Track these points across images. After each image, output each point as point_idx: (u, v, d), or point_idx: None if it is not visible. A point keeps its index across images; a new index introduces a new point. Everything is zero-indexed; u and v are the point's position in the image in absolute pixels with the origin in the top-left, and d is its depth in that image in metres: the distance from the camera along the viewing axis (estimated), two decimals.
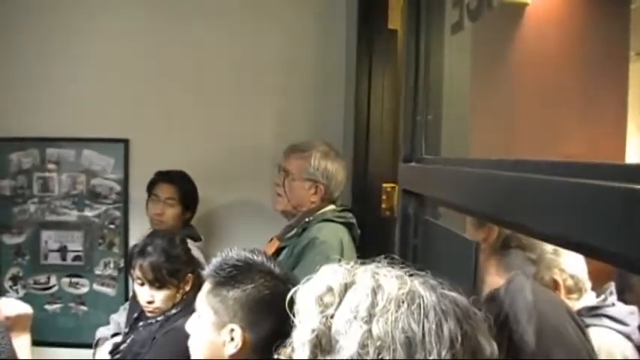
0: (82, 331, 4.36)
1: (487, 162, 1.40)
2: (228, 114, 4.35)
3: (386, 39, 3.74)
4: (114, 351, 3.03)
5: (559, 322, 2.21)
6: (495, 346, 1.09)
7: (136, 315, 3.09)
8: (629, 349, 2.60)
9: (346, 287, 1.12)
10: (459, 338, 1.04)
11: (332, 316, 1.10)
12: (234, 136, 4.33)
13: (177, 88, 4.33)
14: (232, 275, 2.01)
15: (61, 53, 4.33)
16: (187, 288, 2.90)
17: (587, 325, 2.58)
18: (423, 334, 1.03)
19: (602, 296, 2.66)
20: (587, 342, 2.24)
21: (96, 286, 4.44)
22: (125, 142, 4.36)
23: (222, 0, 4.34)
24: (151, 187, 3.89)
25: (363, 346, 1.04)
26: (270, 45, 4.34)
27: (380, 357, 1.02)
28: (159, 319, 2.88)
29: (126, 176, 4.38)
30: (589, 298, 2.66)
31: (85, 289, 4.45)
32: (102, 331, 3.65)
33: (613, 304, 2.68)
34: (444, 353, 1.02)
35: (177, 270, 2.88)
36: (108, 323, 3.75)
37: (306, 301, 1.14)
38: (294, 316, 1.17)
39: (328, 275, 1.15)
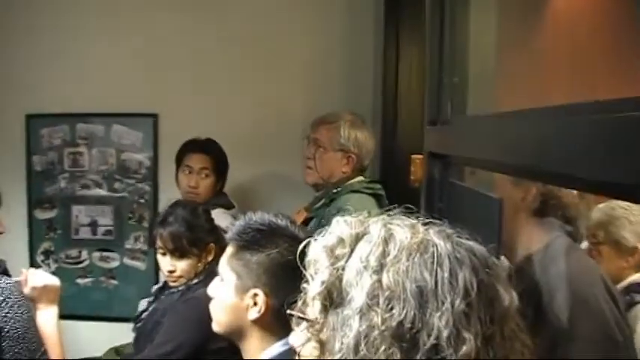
0: (113, 305, 4.42)
1: (514, 113, 1.37)
2: (256, 88, 4.33)
3: (413, 8, 3.68)
4: (136, 319, 3.04)
5: (590, 293, 2.16)
6: (515, 295, 1.06)
7: (160, 285, 3.09)
8: None
9: (357, 238, 1.09)
10: (475, 287, 1.01)
11: (343, 268, 1.07)
12: (263, 110, 4.32)
13: (205, 62, 4.33)
14: (256, 239, 1.99)
15: (89, 29, 4.36)
16: (210, 258, 2.87)
17: (637, 302, 2.53)
18: (436, 283, 1.00)
19: None
20: (619, 314, 2.18)
21: (126, 260, 4.47)
22: (154, 116, 4.37)
23: None
24: (181, 157, 3.82)
25: (372, 296, 1.01)
26: (298, 17, 4.32)
27: (390, 307, 0.99)
28: (180, 288, 2.87)
29: (155, 151, 4.40)
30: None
31: (115, 263, 4.49)
32: (143, 304, 3.66)
33: None
34: (457, 302, 0.99)
35: (198, 239, 2.86)
36: (139, 297, 3.74)
37: (317, 253, 1.11)
38: (305, 269, 1.14)
39: (340, 227, 1.12)
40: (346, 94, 4.23)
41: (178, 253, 2.85)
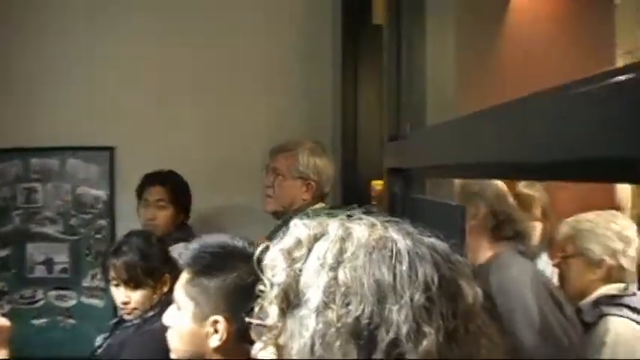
0: (71, 345, 4.27)
1: (471, 115, 1.34)
2: (215, 118, 4.30)
3: (371, 35, 3.70)
4: (92, 355, 2.94)
5: (536, 302, 2.20)
6: (480, 292, 1.02)
7: (115, 320, 3.00)
8: None
9: (315, 238, 1.05)
10: (436, 281, 0.97)
11: (300, 270, 1.03)
12: (223, 140, 4.28)
13: (162, 93, 4.28)
14: (212, 264, 1.92)
15: (41, 59, 4.27)
16: (165, 289, 2.79)
17: (606, 314, 2.56)
18: (394, 278, 0.96)
19: (623, 285, 2.62)
20: (564, 320, 2.23)
21: (84, 299, 4.35)
22: (110, 149, 4.29)
23: (205, 2, 4.29)
24: (141, 191, 3.79)
25: (328, 293, 0.97)
26: (256, 46, 4.30)
27: (346, 303, 0.95)
28: (135, 321, 2.78)
29: (112, 185, 4.31)
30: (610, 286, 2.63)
31: (72, 302, 4.36)
32: (99, 340, 3.56)
33: (634, 294, 2.63)
34: (417, 296, 0.95)
35: (153, 269, 2.79)
36: (97, 336, 3.64)
37: (274, 256, 1.07)
38: (262, 274, 1.08)
39: (298, 229, 1.08)
40: (306, 124, 4.21)
41: (133, 283, 2.77)
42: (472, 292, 1.00)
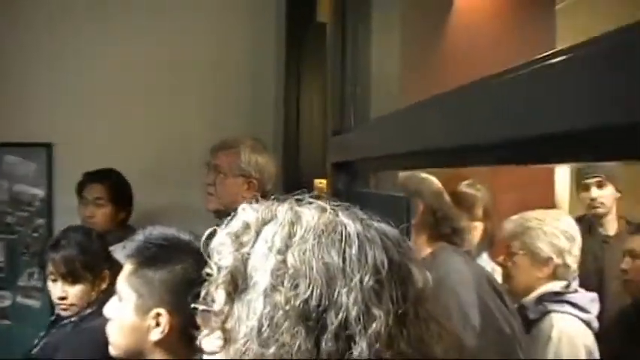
0: (6, 347, 4.16)
1: (418, 104, 1.35)
2: (156, 114, 4.24)
3: (315, 33, 3.69)
4: (27, 355, 2.87)
5: (477, 294, 2.23)
6: (429, 277, 1.03)
7: (52, 318, 2.94)
8: (589, 339, 2.61)
9: (264, 222, 1.04)
10: (386, 265, 0.97)
11: (248, 253, 1.01)
12: (164, 137, 4.23)
13: (103, 89, 4.20)
14: (157, 255, 1.89)
15: None
16: (104, 285, 2.76)
17: (550, 311, 2.60)
18: (344, 261, 0.96)
19: (566, 282, 2.67)
20: (506, 309, 2.27)
21: (19, 299, 4.24)
22: (48, 146, 4.20)
23: (147, 0, 4.25)
24: (80, 189, 3.74)
25: (276, 276, 0.96)
26: (198, 42, 4.27)
27: (295, 285, 0.94)
28: (73, 319, 2.74)
29: (49, 182, 4.22)
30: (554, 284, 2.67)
31: (7, 302, 4.26)
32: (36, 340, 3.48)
33: (576, 291, 2.68)
34: (366, 279, 0.94)
35: (92, 263, 2.75)
36: (34, 338, 3.56)
37: (222, 239, 1.05)
38: (210, 259, 1.07)
39: (246, 212, 1.06)
40: (248, 121, 4.18)
41: (71, 278, 2.72)
42: (422, 277, 1.00)
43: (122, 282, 1.91)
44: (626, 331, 3.10)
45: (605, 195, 3.72)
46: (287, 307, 0.93)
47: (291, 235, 0.99)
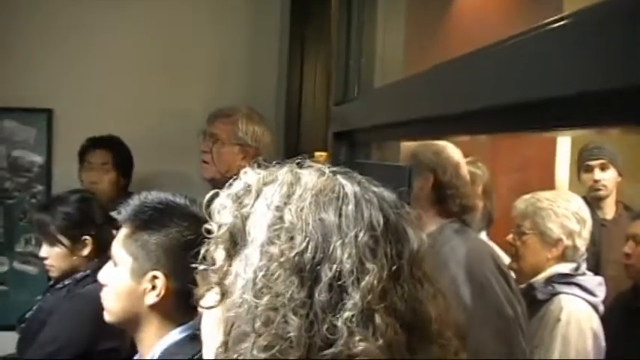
0: (3, 312, 4.14)
1: (418, 74, 1.34)
2: (156, 83, 4.21)
3: (320, 3, 3.67)
4: (20, 319, 2.88)
5: (481, 273, 2.21)
6: (424, 238, 1.03)
7: (51, 282, 2.94)
8: (596, 323, 2.61)
9: (265, 184, 1.05)
10: (381, 223, 0.98)
11: (248, 213, 1.02)
12: (164, 107, 4.19)
13: (103, 56, 4.17)
14: (154, 218, 1.88)
15: None
16: (85, 252, 2.78)
17: (558, 293, 2.60)
18: (339, 217, 0.97)
19: (575, 264, 2.66)
20: (510, 291, 2.25)
21: (16, 265, 4.23)
22: (49, 112, 4.17)
23: None
24: (83, 154, 3.74)
25: (273, 231, 0.97)
26: (200, 11, 4.24)
27: (290, 238, 0.95)
28: (67, 282, 2.75)
29: (49, 148, 4.19)
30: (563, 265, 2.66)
31: (4, 268, 4.24)
32: None
33: (584, 273, 2.68)
34: (361, 235, 0.95)
35: (66, 228, 2.77)
36: (31, 304, 3.55)
37: (222, 200, 1.06)
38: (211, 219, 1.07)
39: (248, 175, 1.07)
40: (249, 92, 4.17)
41: (47, 240, 2.77)
42: (417, 239, 1.01)
43: (117, 246, 1.90)
44: (625, 315, 3.10)
45: (608, 178, 3.71)
46: (282, 259, 0.94)
47: (289, 194, 1.00)
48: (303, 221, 0.96)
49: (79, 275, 2.72)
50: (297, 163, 1.08)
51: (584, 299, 2.64)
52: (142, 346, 1.90)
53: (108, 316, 1.93)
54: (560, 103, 0.85)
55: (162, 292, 1.83)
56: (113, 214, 2.83)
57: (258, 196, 1.03)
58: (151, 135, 4.11)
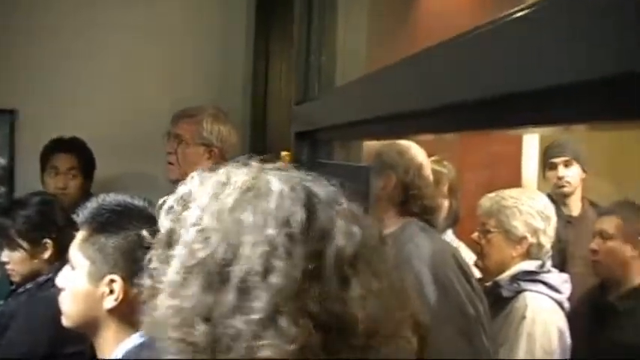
0: None
1: (380, 70, 1.32)
2: (120, 83, 4.17)
3: (284, 4, 3.65)
4: None
5: (442, 272, 2.21)
6: (358, 236, 0.97)
7: (13, 287, 2.90)
8: (562, 320, 2.61)
9: (201, 186, 1.05)
10: (301, 221, 0.94)
11: (183, 216, 1.02)
12: (128, 107, 4.15)
13: (66, 56, 4.11)
14: (111, 221, 1.85)
15: None
16: (46, 255, 2.75)
17: (524, 290, 2.60)
18: (257, 215, 0.95)
19: (540, 262, 2.66)
20: (471, 290, 2.25)
21: None
22: (12, 113, 4.10)
23: None
24: (46, 158, 3.66)
25: (195, 232, 0.96)
26: (166, 12, 4.21)
27: (206, 240, 0.95)
28: (28, 286, 2.72)
29: (12, 150, 4.12)
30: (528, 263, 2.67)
31: None
32: None
33: (549, 271, 2.68)
34: (275, 233, 0.93)
35: (26, 231, 2.74)
36: None
37: (168, 204, 1.06)
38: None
39: (193, 180, 1.06)
40: (215, 93, 4.12)
41: (7, 244, 2.74)
42: (349, 237, 0.96)
43: (75, 249, 1.87)
44: (593, 312, 3.11)
45: (572, 175, 3.73)
46: (193, 262, 0.94)
47: (217, 194, 0.99)
48: (220, 221, 0.95)
49: (41, 279, 2.69)
50: (261, 160, 1.07)
51: (549, 296, 2.64)
52: (101, 351, 1.87)
53: (65, 321, 1.90)
54: (525, 98, 0.83)
55: (121, 296, 1.80)
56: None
57: (194, 198, 1.02)
58: (116, 136, 4.06)
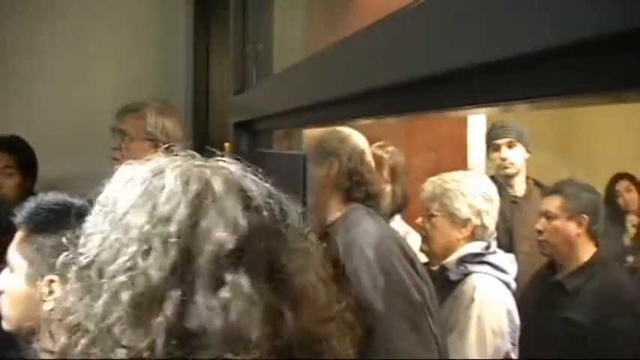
0: None
1: (315, 56, 1.29)
2: (62, 79, 4.07)
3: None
4: None
5: (387, 258, 2.20)
6: (244, 223, 0.91)
7: None
8: (510, 301, 2.63)
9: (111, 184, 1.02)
10: (184, 218, 0.89)
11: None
12: (69, 103, 4.07)
13: (5, 51, 4.01)
14: (50, 220, 1.80)
15: None
16: None
17: (470, 272, 2.60)
18: (150, 218, 0.90)
19: (485, 243, 2.67)
20: (416, 275, 2.25)
21: None
22: None
23: None
24: None
25: (89, 235, 0.95)
26: (106, 6, 4.13)
27: (90, 242, 0.93)
28: None
29: None
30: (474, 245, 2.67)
31: None
32: None
33: (495, 252, 2.69)
34: (147, 230, 0.88)
35: None
36: None
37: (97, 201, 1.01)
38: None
39: (118, 173, 1.02)
40: (157, 86, 4.07)
41: None
42: (232, 230, 0.90)
43: (13, 251, 1.83)
44: (542, 291, 3.14)
45: (515, 156, 3.75)
46: (76, 267, 0.93)
47: (117, 194, 0.96)
48: (111, 224, 0.92)
49: None
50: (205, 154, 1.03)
51: (496, 277, 2.65)
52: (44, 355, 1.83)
53: (5, 324, 1.86)
54: (463, 77, 0.80)
55: None
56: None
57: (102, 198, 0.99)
58: (60, 133, 3.98)
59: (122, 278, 0.86)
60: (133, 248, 0.87)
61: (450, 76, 0.82)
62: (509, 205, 3.61)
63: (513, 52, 0.68)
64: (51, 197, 1.87)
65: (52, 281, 1.76)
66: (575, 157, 4.13)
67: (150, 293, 0.85)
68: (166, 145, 1.11)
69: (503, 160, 3.75)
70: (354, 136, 2.37)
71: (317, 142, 2.30)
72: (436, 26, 0.83)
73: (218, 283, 0.86)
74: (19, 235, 1.83)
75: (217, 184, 0.93)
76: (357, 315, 1.02)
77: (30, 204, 1.85)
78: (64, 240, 1.01)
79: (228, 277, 0.87)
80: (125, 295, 0.85)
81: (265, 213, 0.94)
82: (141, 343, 0.83)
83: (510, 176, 3.76)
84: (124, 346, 0.84)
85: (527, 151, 3.79)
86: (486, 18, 0.72)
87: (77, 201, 1.86)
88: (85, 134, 3.98)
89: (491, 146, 3.83)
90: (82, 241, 0.95)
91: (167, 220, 0.88)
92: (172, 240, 0.87)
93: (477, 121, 4.29)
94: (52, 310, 0.99)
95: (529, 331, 2.73)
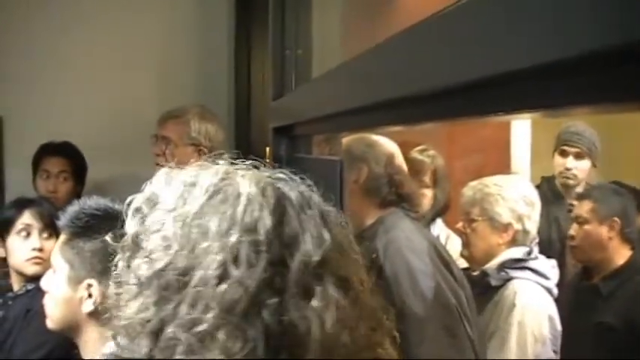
0: None
1: (352, 60, 1.28)
2: (106, 86, 4.12)
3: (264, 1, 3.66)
4: None
5: (423, 262, 2.20)
6: (327, 237, 0.94)
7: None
8: (551, 307, 2.60)
9: (167, 186, 1.01)
10: (267, 227, 0.90)
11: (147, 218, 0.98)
12: (118, 111, 4.12)
13: (52, 61, 4.08)
14: (90, 225, 1.85)
15: None
16: None
17: (512, 278, 2.58)
18: (221, 220, 0.91)
19: (527, 248, 2.65)
20: (452, 280, 2.24)
21: None
22: None
23: None
24: (38, 162, 3.64)
25: (159, 239, 0.93)
26: (148, 13, 4.17)
27: (167, 247, 0.91)
28: (29, 287, 2.69)
29: (0, 156, 4.10)
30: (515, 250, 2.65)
31: None
32: None
33: (536, 257, 2.67)
34: (235, 239, 0.89)
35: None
36: None
37: (135, 205, 1.01)
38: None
39: (159, 178, 1.04)
40: (200, 93, 4.09)
41: (51, 230, 2.75)
42: (316, 242, 0.92)
43: (56, 253, 1.89)
44: (576, 296, 3.10)
45: (580, 168, 3.67)
46: (150, 272, 0.91)
47: (184, 197, 0.96)
48: (184, 227, 0.92)
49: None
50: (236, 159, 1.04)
51: (537, 283, 2.63)
52: (85, 354, 1.87)
53: (50, 323, 1.92)
54: (510, 82, 0.79)
55: (99, 300, 1.79)
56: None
57: (160, 200, 0.99)
58: (104, 139, 4.02)
59: (215, 286, 0.87)
60: (220, 256, 0.88)
61: (494, 81, 0.80)
62: (566, 212, 3.53)
63: (568, 54, 0.65)
64: (93, 202, 1.91)
65: (90, 285, 1.81)
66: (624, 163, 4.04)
67: (246, 301, 0.86)
68: (214, 153, 1.10)
69: (567, 169, 3.65)
70: (382, 141, 2.39)
71: (345, 149, 2.31)
72: (479, 29, 0.81)
73: (309, 293, 0.89)
74: (61, 237, 1.89)
75: (292, 194, 0.96)
76: (395, 319, 1.02)
77: (73, 208, 1.91)
78: (108, 239, 1.01)
79: (318, 288, 0.90)
80: (220, 304, 0.86)
81: (339, 228, 0.98)
82: (241, 351, 0.85)
83: (569, 186, 3.67)
84: (222, 353, 0.85)
85: (594, 165, 3.70)
86: (533, 19, 0.70)
87: (119, 206, 1.89)
88: (127, 139, 4.02)
89: (559, 150, 3.73)
90: (144, 243, 0.95)
91: (253, 229, 0.90)
92: (262, 249, 0.88)
93: (520, 124, 4.25)
94: (107, 309, 1.01)
95: (566, 337, 2.70)
